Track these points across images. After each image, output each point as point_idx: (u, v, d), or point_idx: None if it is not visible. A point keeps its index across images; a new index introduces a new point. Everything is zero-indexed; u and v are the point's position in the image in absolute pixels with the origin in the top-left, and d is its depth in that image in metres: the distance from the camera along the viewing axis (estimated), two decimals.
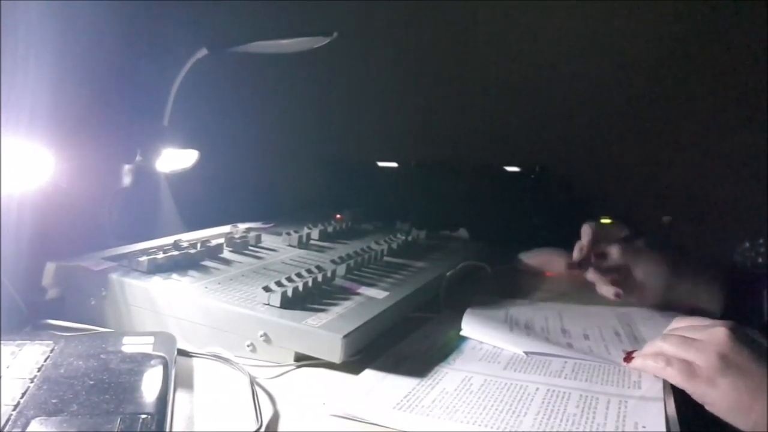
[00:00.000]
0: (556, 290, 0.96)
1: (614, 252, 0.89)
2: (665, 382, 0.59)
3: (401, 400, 0.54)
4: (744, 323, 0.84)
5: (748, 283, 0.90)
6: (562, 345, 0.71)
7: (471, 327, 0.74)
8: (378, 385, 0.58)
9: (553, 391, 0.58)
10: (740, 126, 1.33)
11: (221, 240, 0.88)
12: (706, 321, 0.65)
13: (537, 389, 0.58)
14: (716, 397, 0.57)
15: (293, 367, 0.62)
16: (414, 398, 0.55)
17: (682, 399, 0.57)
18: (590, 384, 0.59)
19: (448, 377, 0.60)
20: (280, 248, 0.92)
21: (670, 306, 0.88)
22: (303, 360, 0.62)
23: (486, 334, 0.72)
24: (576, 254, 0.90)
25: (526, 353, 0.69)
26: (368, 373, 0.60)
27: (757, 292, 0.88)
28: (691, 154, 1.38)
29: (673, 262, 0.89)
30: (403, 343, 0.69)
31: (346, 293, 0.73)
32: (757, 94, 1.30)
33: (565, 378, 0.61)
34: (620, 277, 0.88)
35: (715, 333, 0.60)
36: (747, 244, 1.02)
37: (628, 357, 0.65)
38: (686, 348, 0.60)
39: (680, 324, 0.67)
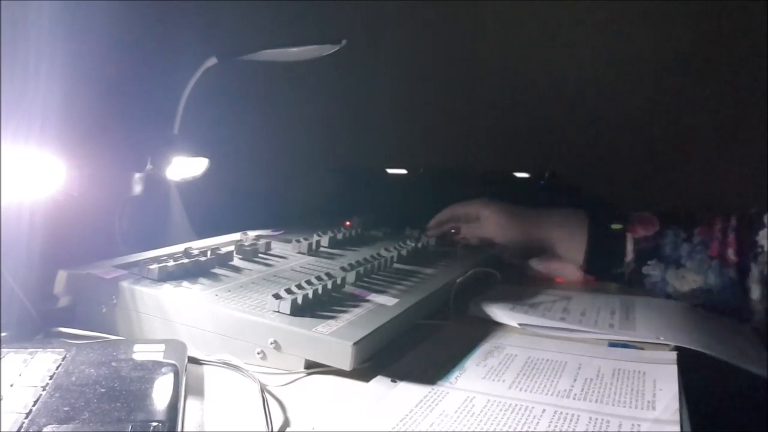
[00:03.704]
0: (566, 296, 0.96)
1: (452, 212, 1.11)
2: (681, 402, 0.56)
3: (397, 424, 0.51)
4: (604, 268, 0.99)
5: (606, 224, 0.99)
6: (555, 320, 0.78)
7: (477, 307, 0.82)
8: (386, 395, 0.57)
9: (561, 413, 0.54)
10: (754, 131, 1.33)
11: (231, 248, 0.88)
12: None
13: (543, 411, 0.55)
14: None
15: (303, 374, 0.62)
16: (411, 421, 0.52)
17: (699, 422, 0.55)
18: (600, 405, 0.56)
19: (448, 398, 0.57)
20: (290, 255, 0.92)
21: (532, 250, 1.04)
22: (313, 367, 0.62)
23: (488, 310, 0.79)
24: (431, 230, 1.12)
25: (520, 325, 0.76)
26: (377, 383, 0.60)
27: (617, 238, 0.97)
28: (704, 161, 1.37)
29: (523, 211, 1.06)
30: (410, 353, 0.68)
31: (355, 300, 0.73)
32: None
33: (574, 398, 0.57)
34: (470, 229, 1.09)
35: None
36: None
37: None
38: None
39: None
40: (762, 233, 0.89)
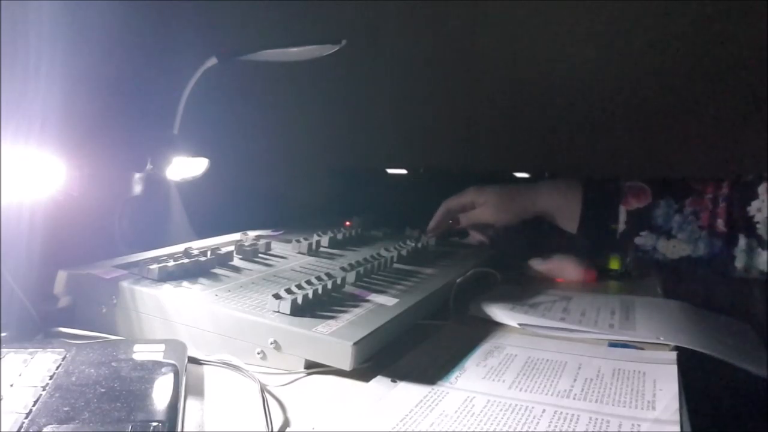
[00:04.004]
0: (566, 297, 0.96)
1: (447, 207, 1.10)
2: (681, 402, 0.56)
3: (397, 424, 0.51)
4: (597, 236, 1.00)
5: (600, 194, 1.00)
6: (555, 320, 0.78)
7: (477, 307, 0.82)
8: (386, 395, 0.57)
9: (561, 413, 0.54)
10: (755, 130, 1.33)
11: (231, 248, 0.88)
12: None
13: (543, 411, 0.54)
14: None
15: (303, 374, 0.62)
16: (411, 421, 0.52)
17: (699, 422, 0.55)
18: (600, 405, 0.56)
19: (448, 398, 0.57)
20: (290, 255, 0.92)
21: (532, 226, 1.06)
22: (313, 367, 0.62)
23: (488, 310, 0.79)
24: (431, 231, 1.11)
25: (520, 325, 0.76)
26: (377, 383, 0.60)
27: (611, 204, 0.98)
28: (705, 160, 1.37)
29: (515, 188, 1.07)
30: (410, 353, 0.68)
31: (355, 300, 0.73)
32: None
33: (574, 398, 0.57)
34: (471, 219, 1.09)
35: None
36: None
37: None
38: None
39: None
40: (754, 204, 0.89)
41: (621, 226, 0.98)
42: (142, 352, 0.58)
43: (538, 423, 0.52)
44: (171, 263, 0.75)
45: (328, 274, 0.76)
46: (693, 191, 0.95)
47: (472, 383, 0.61)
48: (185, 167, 1.03)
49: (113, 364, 0.55)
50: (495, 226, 1.09)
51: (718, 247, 0.92)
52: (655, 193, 0.96)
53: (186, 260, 0.78)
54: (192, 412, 0.53)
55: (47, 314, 0.69)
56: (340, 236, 1.03)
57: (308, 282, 0.72)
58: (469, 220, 1.10)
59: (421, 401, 0.56)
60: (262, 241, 0.93)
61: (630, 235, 0.97)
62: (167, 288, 0.70)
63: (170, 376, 0.53)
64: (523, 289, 0.95)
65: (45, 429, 0.43)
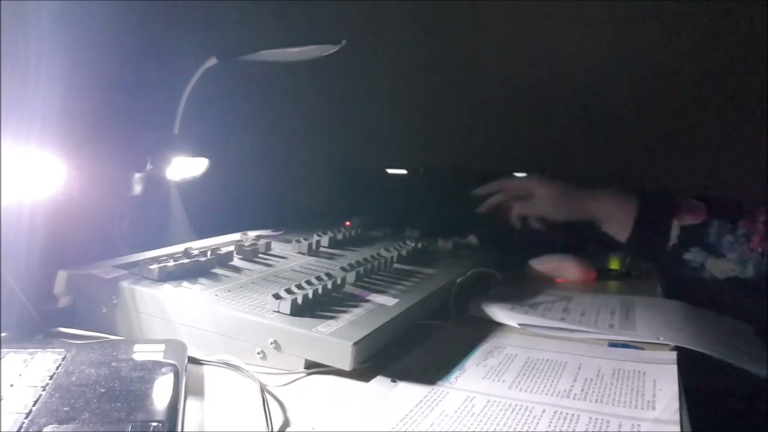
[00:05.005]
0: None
1: (503, 185, 1.12)
2: (681, 402, 0.56)
3: (397, 424, 0.51)
4: (647, 250, 1.02)
5: (654, 208, 1.01)
6: (555, 320, 0.78)
7: (477, 307, 0.83)
8: (386, 395, 0.57)
9: (561, 413, 0.54)
10: (753, 132, 1.33)
11: (231, 248, 0.88)
12: None
13: (543, 411, 0.54)
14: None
15: (303, 374, 0.62)
16: (411, 421, 0.52)
17: (699, 422, 0.55)
18: (600, 405, 0.56)
19: (448, 398, 0.57)
20: (290, 256, 0.92)
21: (578, 223, 1.07)
22: (313, 367, 0.62)
23: (488, 310, 0.80)
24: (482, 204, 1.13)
25: (520, 325, 0.77)
26: (377, 383, 0.60)
27: (665, 214, 0.99)
28: (703, 160, 1.37)
29: (574, 189, 1.07)
30: (410, 353, 0.68)
31: (355, 300, 0.73)
32: None
33: (574, 398, 0.57)
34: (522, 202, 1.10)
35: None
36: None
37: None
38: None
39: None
40: None
41: (672, 240, 0.99)
42: (142, 352, 0.58)
43: (538, 423, 0.52)
44: (171, 263, 0.75)
45: (328, 274, 0.76)
46: (746, 213, 0.97)
47: (472, 383, 0.61)
48: (185, 167, 1.03)
49: (113, 364, 0.55)
50: (545, 220, 1.10)
51: (766, 270, 0.94)
52: (709, 211, 0.98)
53: (186, 260, 0.78)
54: (192, 412, 0.53)
55: (47, 314, 0.69)
56: (340, 236, 1.03)
57: (308, 282, 0.72)
58: (523, 210, 1.11)
59: (421, 401, 0.56)
60: (262, 241, 0.93)
61: (680, 250, 0.98)
62: (167, 288, 0.70)
63: (170, 376, 0.53)
64: (523, 289, 0.95)
65: (45, 429, 0.43)
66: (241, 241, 0.94)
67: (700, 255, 0.97)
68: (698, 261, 0.97)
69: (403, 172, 1.41)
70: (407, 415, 0.53)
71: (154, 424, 0.44)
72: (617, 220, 1.03)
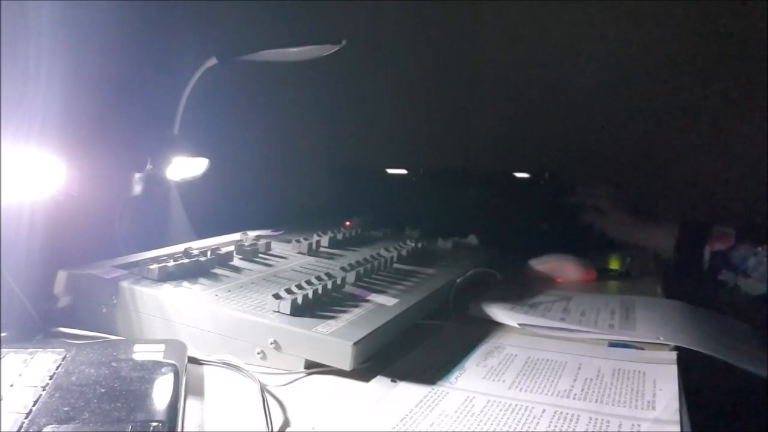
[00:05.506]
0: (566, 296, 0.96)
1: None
2: (681, 402, 0.56)
3: (397, 424, 0.51)
4: (688, 266, 1.15)
5: (693, 234, 1.14)
6: (555, 320, 0.79)
7: (477, 307, 0.83)
8: (386, 396, 0.57)
9: (561, 413, 0.54)
10: (754, 133, 1.33)
11: (231, 248, 0.88)
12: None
13: (543, 411, 0.54)
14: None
15: (303, 374, 0.62)
16: (411, 421, 0.52)
17: (699, 422, 0.55)
18: (600, 405, 0.56)
19: (448, 398, 0.57)
20: (290, 256, 0.92)
21: (630, 243, 1.19)
22: (313, 367, 0.62)
23: (488, 310, 0.81)
24: None
25: (520, 325, 0.77)
26: (377, 383, 0.60)
27: (699, 242, 1.12)
28: (703, 162, 1.37)
29: (630, 212, 1.21)
30: (410, 353, 0.68)
31: (355, 300, 0.73)
32: None
33: (574, 398, 0.57)
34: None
35: None
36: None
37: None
38: None
39: None
40: None
41: (705, 264, 1.12)
42: (142, 352, 0.58)
43: (538, 423, 0.52)
44: (171, 263, 0.75)
45: (328, 274, 0.76)
46: None
47: (472, 383, 0.61)
48: (185, 167, 1.03)
49: (113, 364, 0.55)
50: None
51: None
52: (738, 237, 1.09)
53: (186, 260, 0.78)
54: (192, 412, 0.53)
55: (47, 314, 0.69)
56: (340, 236, 1.03)
57: (308, 282, 0.72)
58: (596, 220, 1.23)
59: (421, 401, 0.56)
60: (262, 241, 0.93)
61: (712, 273, 1.10)
62: (167, 288, 0.70)
63: (170, 376, 0.53)
64: (523, 289, 0.95)
65: (45, 429, 0.43)
66: (241, 241, 0.94)
67: (730, 276, 1.09)
68: (731, 281, 1.09)
69: (403, 172, 1.41)
70: (407, 415, 0.53)
71: (154, 424, 0.44)
72: (660, 248, 1.17)
